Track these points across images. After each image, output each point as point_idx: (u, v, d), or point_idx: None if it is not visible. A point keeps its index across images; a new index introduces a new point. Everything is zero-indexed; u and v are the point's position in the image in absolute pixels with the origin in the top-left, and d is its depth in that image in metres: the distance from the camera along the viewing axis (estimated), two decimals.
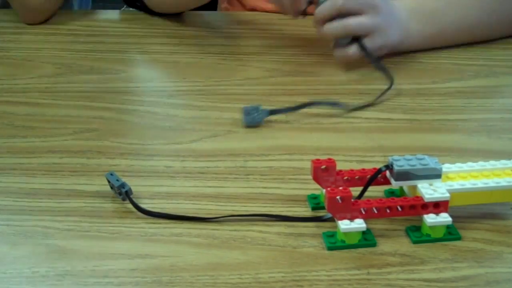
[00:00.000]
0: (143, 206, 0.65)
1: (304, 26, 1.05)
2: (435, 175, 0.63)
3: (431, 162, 0.64)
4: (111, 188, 0.67)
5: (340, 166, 0.66)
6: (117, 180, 0.66)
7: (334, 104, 0.80)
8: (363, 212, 0.62)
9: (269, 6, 1.07)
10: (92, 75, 0.92)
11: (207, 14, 1.14)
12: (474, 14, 0.90)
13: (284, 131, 0.79)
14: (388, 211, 0.62)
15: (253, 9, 1.10)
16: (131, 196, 0.65)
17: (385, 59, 0.91)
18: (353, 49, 0.86)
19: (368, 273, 0.59)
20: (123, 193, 0.65)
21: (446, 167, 0.65)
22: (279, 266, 0.60)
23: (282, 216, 0.65)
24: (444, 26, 0.89)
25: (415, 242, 0.62)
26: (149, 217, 0.64)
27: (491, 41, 1.02)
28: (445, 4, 0.90)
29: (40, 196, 0.68)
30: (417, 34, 0.89)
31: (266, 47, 0.97)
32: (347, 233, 0.61)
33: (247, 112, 0.75)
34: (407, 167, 0.63)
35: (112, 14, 1.11)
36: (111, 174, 0.66)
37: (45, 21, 1.04)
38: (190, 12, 1.08)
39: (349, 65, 0.89)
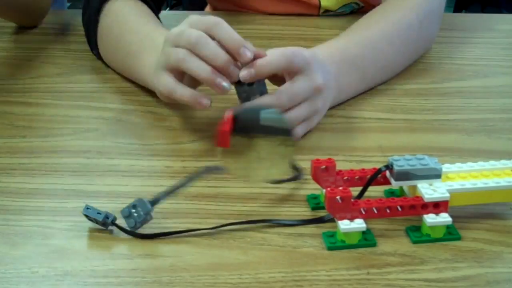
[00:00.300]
0: None
1: (304, 27, 1.05)
2: (435, 175, 0.64)
3: (431, 162, 0.64)
4: (91, 220, 0.64)
5: (340, 166, 0.66)
6: (99, 213, 0.63)
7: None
8: (363, 212, 0.62)
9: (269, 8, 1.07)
10: (92, 75, 0.92)
11: (205, 14, 1.14)
12: (390, 52, 0.88)
13: None
14: (388, 211, 0.62)
15: (247, 9, 1.10)
16: (116, 223, 0.63)
17: None
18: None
19: (368, 273, 0.59)
20: (108, 223, 0.63)
21: (446, 167, 0.65)
22: (279, 266, 0.60)
23: (282, 220, 0.65)
24: (364, 71, 0.85)
25: (415, 242, 0.62)
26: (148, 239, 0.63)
27: (490, 41, 1.02)
28: (363, 48, 0.85)
29: (40, 196, 0.68)
30: (347, 88, 0.83)
31: (265, 47, 0.97)
32: (347, 233, 0.61)
33: (125, 214, 0.63)
34: (407, 167, 0.63)
35: None
36: (88, 208, 0.63)
37: (38, 23, 1.04)
38: (186, 12, 1.08)
39: None
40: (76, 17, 1.08)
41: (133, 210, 0.63)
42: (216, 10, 1.15)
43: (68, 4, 1.44)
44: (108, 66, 0.92)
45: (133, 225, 0.62)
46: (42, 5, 1.02)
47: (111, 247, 0.62)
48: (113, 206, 0.64)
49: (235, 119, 0.61)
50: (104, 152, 0.75)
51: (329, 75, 0.78)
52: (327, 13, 1.08)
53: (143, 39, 0.84)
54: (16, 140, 0.78)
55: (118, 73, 0.90)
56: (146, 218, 0.62)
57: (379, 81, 0.88)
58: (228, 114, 0.64)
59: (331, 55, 0.82)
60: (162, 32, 0.83)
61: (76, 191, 0.69)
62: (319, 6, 1.07)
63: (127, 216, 0.62)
